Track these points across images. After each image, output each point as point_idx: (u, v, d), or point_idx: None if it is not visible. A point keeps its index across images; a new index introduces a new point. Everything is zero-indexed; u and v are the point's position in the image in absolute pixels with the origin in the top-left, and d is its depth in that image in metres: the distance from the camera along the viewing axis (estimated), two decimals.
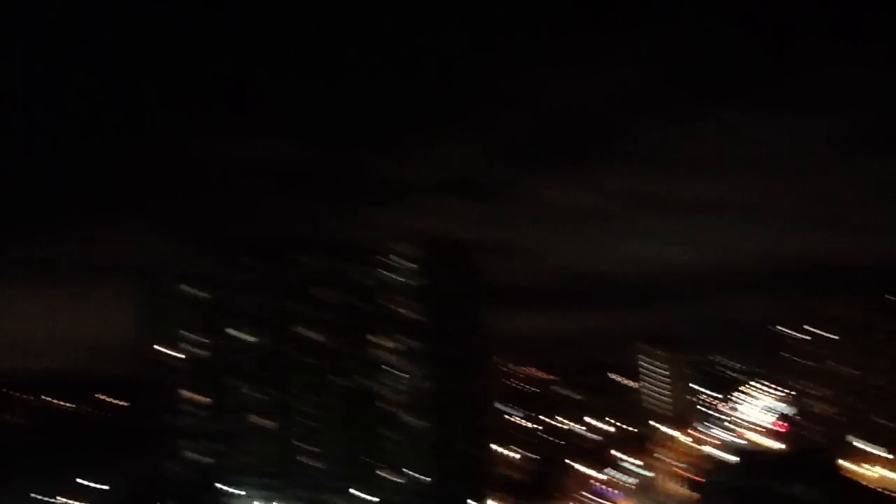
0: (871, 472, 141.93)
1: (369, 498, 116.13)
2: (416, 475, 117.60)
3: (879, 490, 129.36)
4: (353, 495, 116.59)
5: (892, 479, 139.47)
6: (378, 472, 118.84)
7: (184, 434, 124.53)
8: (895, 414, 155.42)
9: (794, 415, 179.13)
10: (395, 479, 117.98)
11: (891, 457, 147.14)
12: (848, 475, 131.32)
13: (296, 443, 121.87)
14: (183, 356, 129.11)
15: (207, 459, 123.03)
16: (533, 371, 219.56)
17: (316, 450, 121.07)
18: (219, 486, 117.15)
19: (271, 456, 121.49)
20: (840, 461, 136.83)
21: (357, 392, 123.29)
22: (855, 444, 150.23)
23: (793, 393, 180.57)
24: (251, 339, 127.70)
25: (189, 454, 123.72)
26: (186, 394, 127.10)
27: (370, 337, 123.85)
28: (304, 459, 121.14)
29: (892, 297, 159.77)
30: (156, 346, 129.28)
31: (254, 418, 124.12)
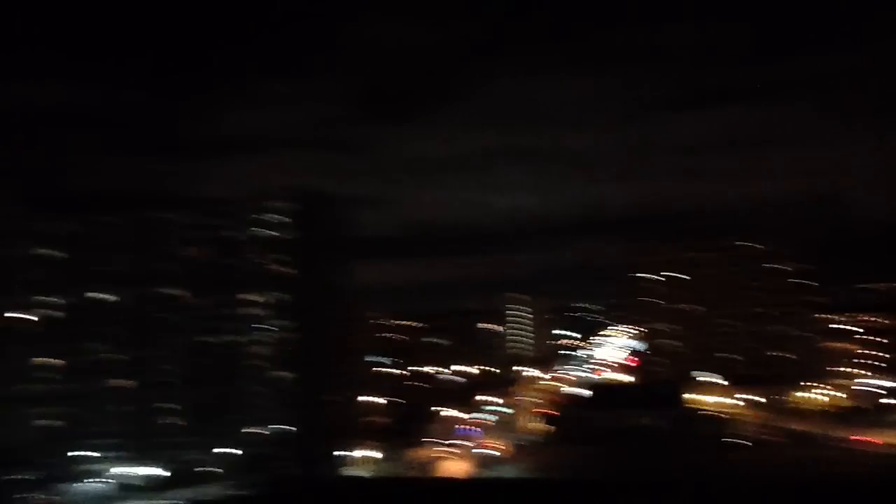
0: (709, 399, 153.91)
1: (233, 452, 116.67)
2: (282, 427, 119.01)
3: (713, 413, 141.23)
4: (216, 452, 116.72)
5: (725, 403, 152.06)
6: (243, 426, 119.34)
7: (34, 400, 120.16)
8: (734, 347, 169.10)
9: (645, 350, 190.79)
10: (260, 432, 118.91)
11: (726, 383, 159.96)
12: (688, 403, 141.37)
13: (156, 403, 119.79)
14: (35, 319, 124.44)
15: (59, 424, 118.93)
16: (401, 320, 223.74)
17: (177, 408, 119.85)
18: (72, 451, 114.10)
19: (129, 417, 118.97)
20: (682, 391, 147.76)
21: (221, 348, 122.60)
22: (697, 376, 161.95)
23: (645, 331, 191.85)
24: (110, 298, 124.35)
25: (40, 420, 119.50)
26: (39, 359, 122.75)
27: (236, 293, 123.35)
28: (165, 419, 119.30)
29: (738, 242, 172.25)
30: (4, 310, 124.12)
31: (111, 380, 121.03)
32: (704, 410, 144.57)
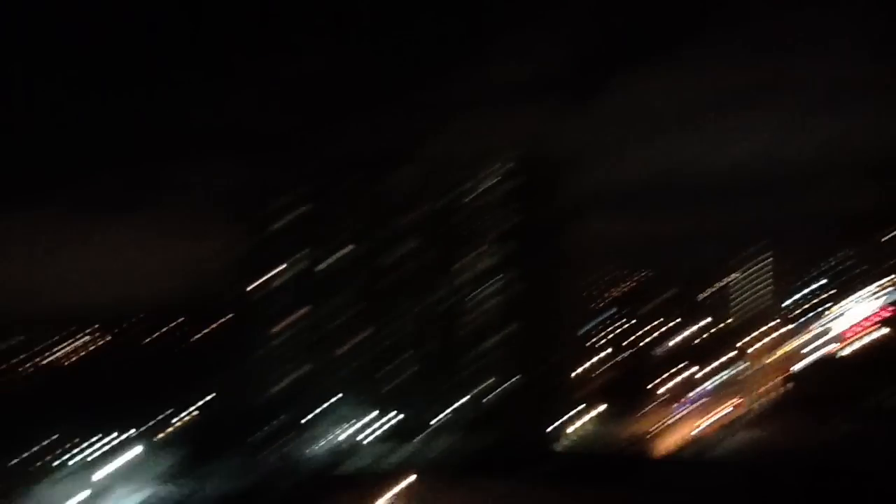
0: None
1: (459, 411, 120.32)
2: (505, 388, 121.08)
3: None
4: (443, 406, 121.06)
5: None
6: (468, 386, 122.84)
7: (276, 361, 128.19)
8: None
9: None
10: (484, 391, 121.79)
11: None
12: None
13: (388, 361, 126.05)
14: (273, 279, 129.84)
15: (298, 384, 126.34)
16: (628, 279, 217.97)
17: (407, 366, 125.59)
18: (311, 409, 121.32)
19: (364, 375, 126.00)
20: None
21: (448, 307, 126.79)
22: None
23: None
24: (343, 260, 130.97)
25: (281, 380, 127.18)
26: (278, 324, 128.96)
27: (462, 252, 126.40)
28: (395, 374, 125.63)
29: None
30: (246, 270, 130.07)
31: (344, 336, 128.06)
32: None
